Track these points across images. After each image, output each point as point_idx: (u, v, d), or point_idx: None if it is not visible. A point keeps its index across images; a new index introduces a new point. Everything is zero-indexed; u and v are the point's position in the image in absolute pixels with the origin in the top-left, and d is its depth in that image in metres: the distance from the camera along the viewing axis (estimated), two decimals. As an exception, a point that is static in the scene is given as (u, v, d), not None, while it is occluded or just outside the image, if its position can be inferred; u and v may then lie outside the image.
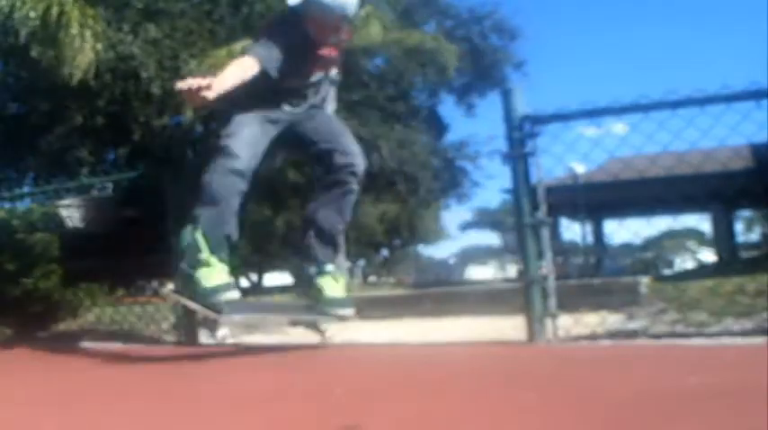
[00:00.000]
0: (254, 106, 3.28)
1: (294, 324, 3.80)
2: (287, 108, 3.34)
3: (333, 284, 3.26)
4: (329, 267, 3.30)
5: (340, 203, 3.28)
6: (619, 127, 3.57)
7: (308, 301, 3.36)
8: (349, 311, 3.31)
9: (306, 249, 3.31)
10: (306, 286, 3.37)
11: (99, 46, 10.60)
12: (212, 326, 4.55)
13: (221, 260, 3.04)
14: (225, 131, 3.25)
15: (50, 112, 13.71)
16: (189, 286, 3.04)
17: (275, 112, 3.33)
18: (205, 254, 3.00)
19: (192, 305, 3.06)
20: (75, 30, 10.10)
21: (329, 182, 3.29)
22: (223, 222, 3.06)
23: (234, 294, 3.05)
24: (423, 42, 13.61)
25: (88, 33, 10.27)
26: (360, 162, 3.29)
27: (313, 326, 3.52)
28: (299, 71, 3.33)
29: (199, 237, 3.02)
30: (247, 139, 3.18)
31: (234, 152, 3.12)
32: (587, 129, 3.50)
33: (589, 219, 23.30)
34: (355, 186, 3.28)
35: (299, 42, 3.25)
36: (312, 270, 3.30)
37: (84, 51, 10.23)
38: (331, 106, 3.52)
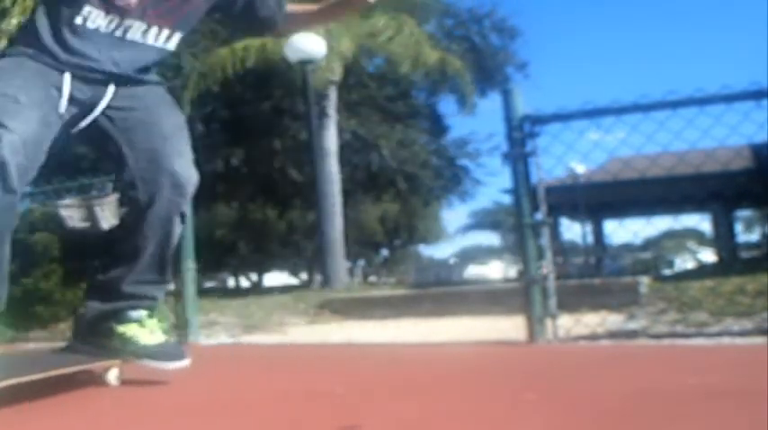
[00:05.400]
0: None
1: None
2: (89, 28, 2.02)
3: (143, 330, 2.28)
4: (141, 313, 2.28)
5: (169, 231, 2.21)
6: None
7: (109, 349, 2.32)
8: (180, 363, 2.29)
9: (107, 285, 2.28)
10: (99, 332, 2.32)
11: None
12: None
13: None
14: None
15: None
16: None
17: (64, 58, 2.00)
18: None
19: None
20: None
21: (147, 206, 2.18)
22: None
23: None
24: (444, 62, 12.92)
25: None
26: (192, 181, 2.20)
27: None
28: None
29: None
30: (26, 116, 1.87)
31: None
32: (592, 135, 3.50)
33: (589, 219, 23.31)
34: (186, 208, 2.24)
35: None
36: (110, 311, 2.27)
37: None
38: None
